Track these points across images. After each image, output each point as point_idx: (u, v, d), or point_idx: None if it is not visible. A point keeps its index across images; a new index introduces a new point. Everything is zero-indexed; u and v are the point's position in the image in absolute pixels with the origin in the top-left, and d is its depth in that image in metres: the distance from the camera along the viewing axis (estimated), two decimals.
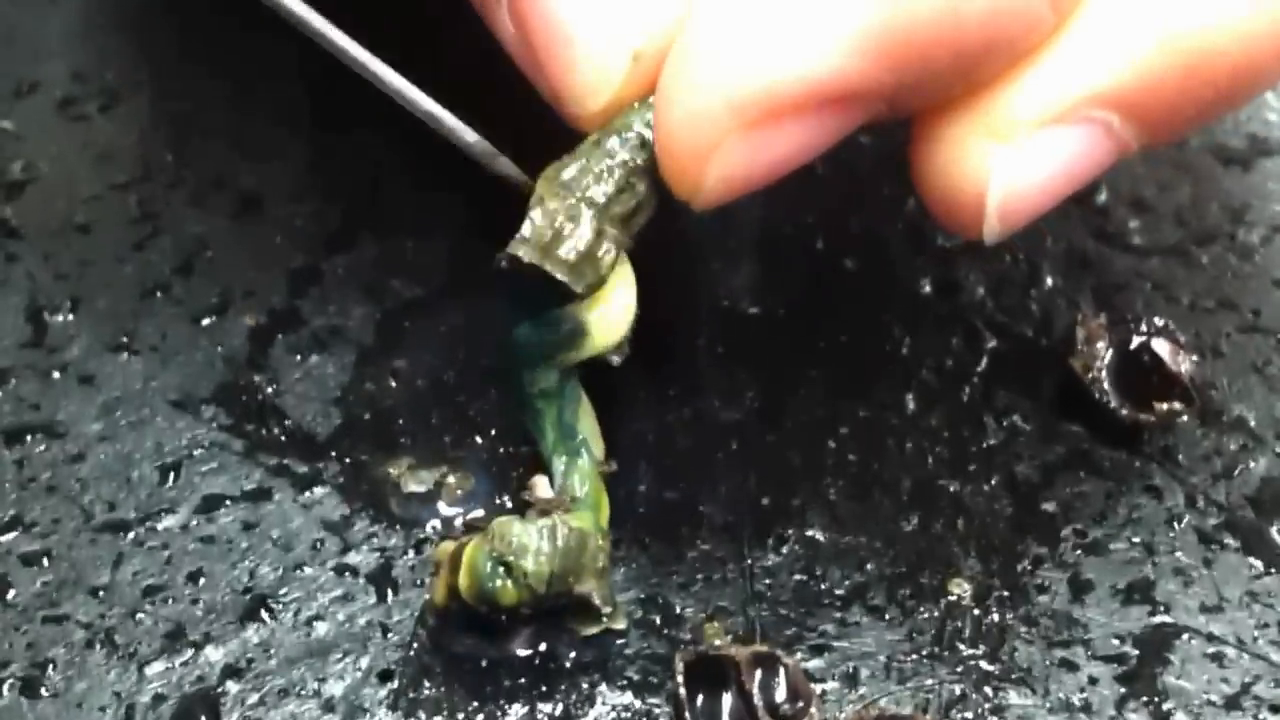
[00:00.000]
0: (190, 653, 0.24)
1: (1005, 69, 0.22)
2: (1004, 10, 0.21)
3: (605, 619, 0.24)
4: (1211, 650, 0.25)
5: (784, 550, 0.26)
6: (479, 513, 0.26)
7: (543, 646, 0.24)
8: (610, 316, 0.24)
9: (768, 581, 0.26)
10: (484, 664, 0.24)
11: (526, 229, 0.23)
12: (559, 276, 0.23)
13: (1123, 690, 0.24)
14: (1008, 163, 0.22)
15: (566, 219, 0.23)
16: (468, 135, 0.24)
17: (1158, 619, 0.25)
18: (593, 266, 0.23)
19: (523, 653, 0.24)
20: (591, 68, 0.23)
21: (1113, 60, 0.22)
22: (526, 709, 0.24)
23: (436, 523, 0.26)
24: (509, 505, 0.26)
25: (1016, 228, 0.23)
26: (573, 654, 0.24)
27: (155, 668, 0.24)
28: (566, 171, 0.23)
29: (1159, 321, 0.28)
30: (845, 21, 0.21)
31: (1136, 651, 0.25)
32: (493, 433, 0.27)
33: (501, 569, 0.23)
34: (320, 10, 0.25)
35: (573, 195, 0.23)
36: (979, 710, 0.24)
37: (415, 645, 0.25)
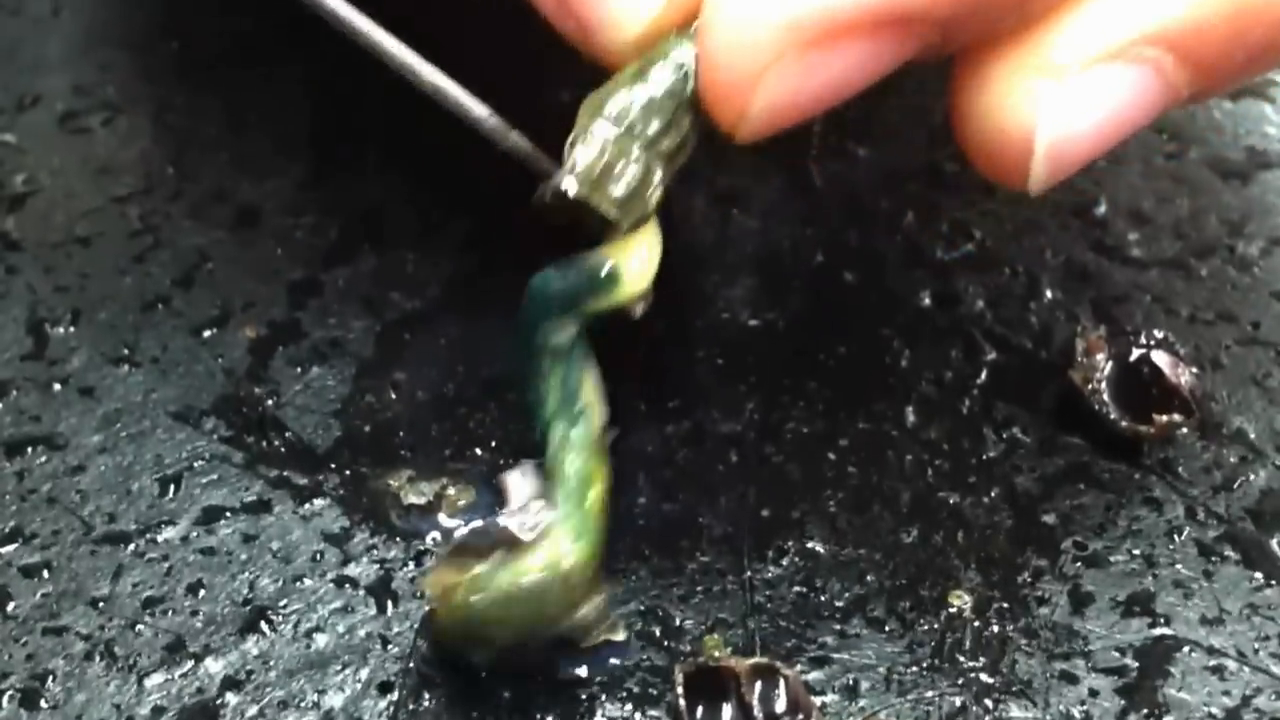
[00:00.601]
0: (190, 664, 0.24)
1: (1061, 2, 0.22)
2: None
3: (602, 632, 0.24)
4: (1212, 663, 0.25)
5: (784, 562, 0.26)
6: (478, 523, 0.26)
7: (542, 659, 0.24)
8: (641, 262, 0.23)
9: (768, 593, 0.26)
10: (483, 676, 0.24)
11: (579, 160, 0.22)
12: (608, 212, 0.22)
13: (1123, 703, 0.24)
14: (1058, 102, 0.22)
15: (617, 154, 0.22)
16: (479, 110, 0.23)
17: (1158, 631, 0.25)
18: (641, 204, 0.22)
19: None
20: None
21: None
22: None
23: (436, 534, 0.26)
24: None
25: (1064, 175, 0.22)
26: (572, 666, 0.24)
27: (155, 679, 0.24)
28: (613, 102, 0.22)
29: (1158, 334, 0.28)
30: None
31: (1137, 664, 0.25)
32: (493, 445, 0.27)
33: (472, 641, 0.23)
34: None
35: (620, 127, 0.22)
36: None
37: (415, 657, 0.25)
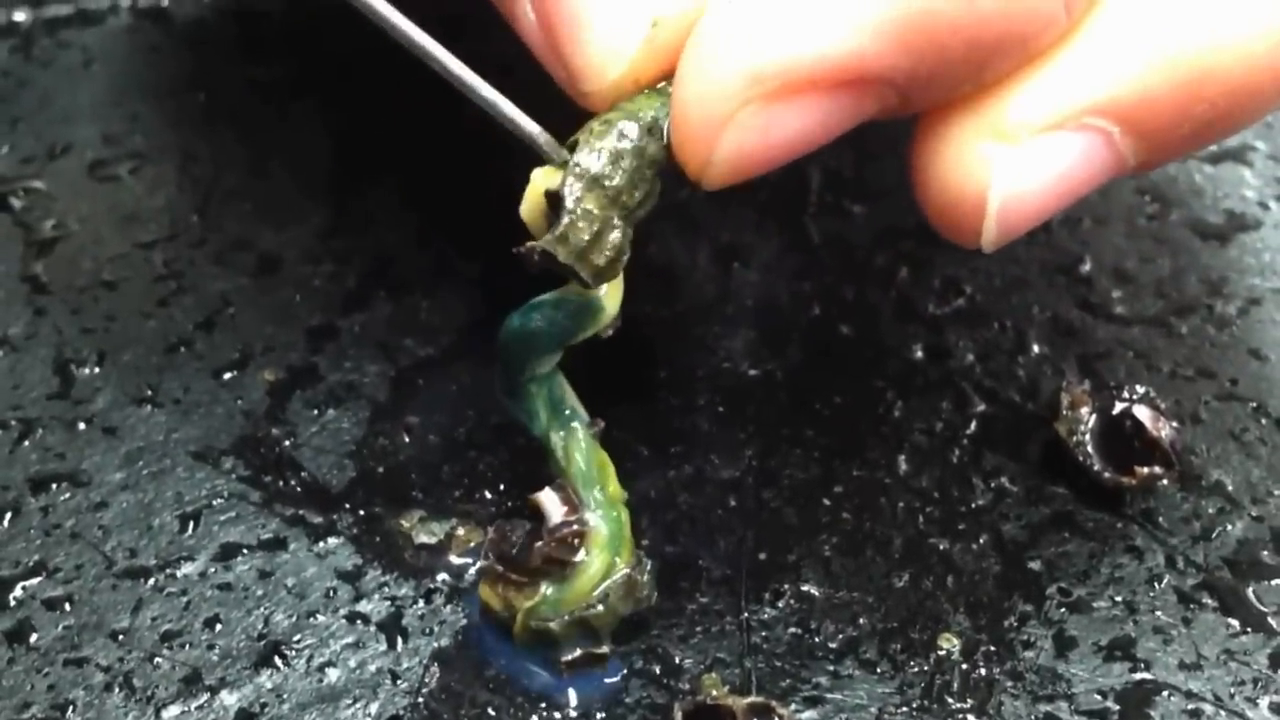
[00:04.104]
0: (206, 697, 0.25)
1: (1014, 69, 0.22)
2: (1020, 7, 0.22)
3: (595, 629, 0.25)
4: (1190, 707, 0.25)
5: (780, 604, 0.27)
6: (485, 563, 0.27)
7: (545, 696, 0.25)
8: (616, 292, 0.25)
9: (764, 634, 0.26)
10: (491, 711, 0.25)
11: (569, 230, 0.23)
12: (584, 277, 0.23)
13: None
14: (1010, 164, 0.22)
15: (602, 224, 0.23)
16: (530, 126, 0.24)
17: (1139, 675, 0.26)
18: (614, 268, 0.23)
19: (526, 700, 0.25)
20: (608, 37, 0.23)
21: (1116, 71, 0.22)
22: None
23: (446, 575, 0.27)
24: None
25: (1014, 234, 0.23)
26: (575, 702, 0.25)
27: (171, 711, 0.25)
28: (593, 162, 0.23)
29: (1140, 389, 0.29)
30: (867, 5, 0.21)
31: (1118, 707, 0.25)
32: (501, 487, 0.28)
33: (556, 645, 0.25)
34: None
35: (606, 195, 0.23)
36: None
37: (424, 692, 0.25)
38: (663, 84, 0.23)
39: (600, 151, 0.23)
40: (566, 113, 0.24)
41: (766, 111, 0.22)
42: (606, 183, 0.23)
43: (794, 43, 0.21)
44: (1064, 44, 0.23)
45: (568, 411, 0.26)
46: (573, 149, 0.23)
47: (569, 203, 0.23)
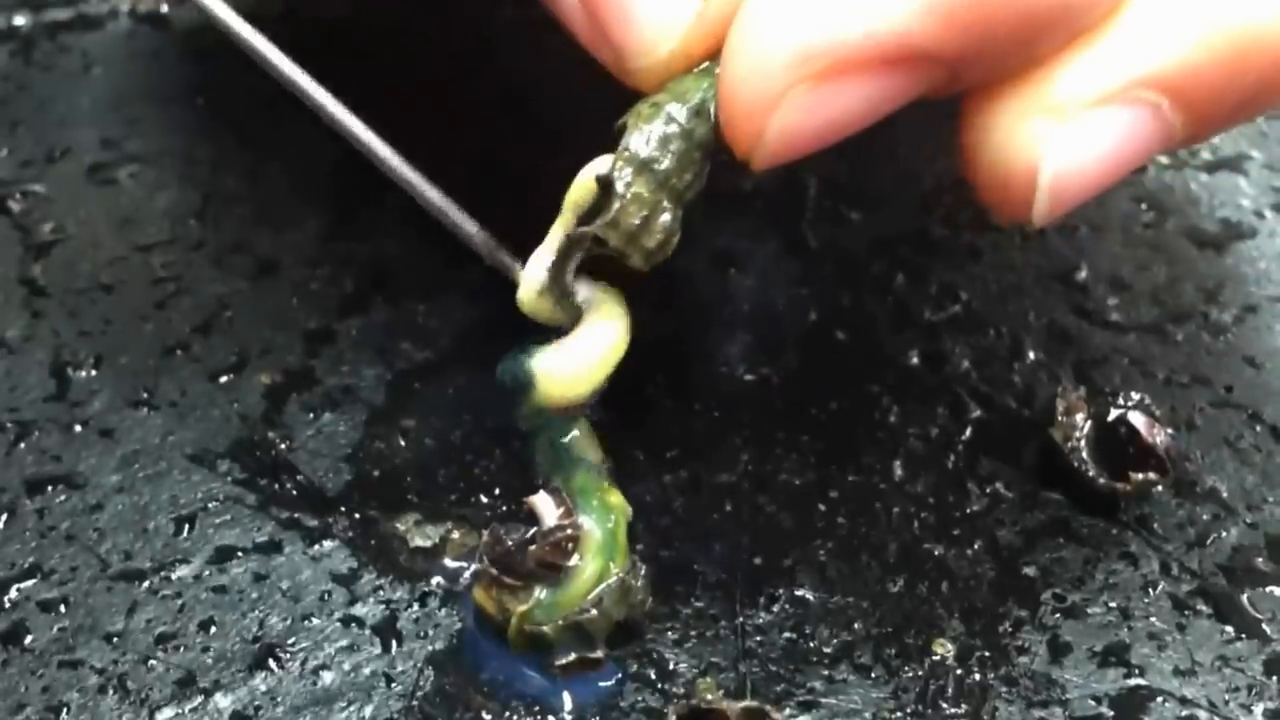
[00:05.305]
0: (200, 699, 0.25)
1: (1063, 46, 0.23)
2: None
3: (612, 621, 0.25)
4: (1184, 713, 0.26)
5: (775, 609, 0.27)
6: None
7: (540, 700, 0.25)
8: (565, 367, 0.24)
9: (759, 639, 0.26)
10: (485, 715, 0.25)
11: (620, 214, 0.23)
12: (636, 260, 0.23)
13: None
14: (1061, 140, 0.22)
15: (653, 208, 0.23)
16: (469, 226, 0.26)
17: (1133, 681, 0.26)
18: (664, 250, 0.23)
19: (521, 704, 0.25)
20: (658, 11, 0.23)
21: (1164, 44, 0.22)
22: None
23: (441, 579, 0.27)
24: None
25: (1066, 209, 0.23)
26: (569, 706, 0.25)
27: (166, 713, 0.25)
28: (643, 146, 0.23)
29: (1136, 395, 0.29)
30: None
31: (1112, 713, 0.25)
32: (497, 491, 0.28)
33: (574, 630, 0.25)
34: (340, 97, 0.27)
35: (656, 178, 0.23)
36: None
37: (418, 696, 0.25)
38: (708, 64, 0.23)
39: (649, 135, 0.23)
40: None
41: (816, 92, 0.22)
42: (656, 166, 0.23)
43: (843, 21, 0.21)
44: (1111, 18, 0.23)
45: (571, 461, 0.25)
46: (620, 133, 0.23)
47: (619, 187, 0.23)
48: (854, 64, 0.22)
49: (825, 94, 0.22)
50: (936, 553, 0.28)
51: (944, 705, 0.25)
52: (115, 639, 0.26)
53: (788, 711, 0.25)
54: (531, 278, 0.24)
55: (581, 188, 0.24)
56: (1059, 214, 0.23)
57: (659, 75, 0.23)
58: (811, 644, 0.26)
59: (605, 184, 0.23)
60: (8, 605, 0.26)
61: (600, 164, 0.23)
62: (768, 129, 0.22)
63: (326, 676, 0.25)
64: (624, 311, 0.25)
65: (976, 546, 0.28)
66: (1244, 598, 0.27)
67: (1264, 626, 0.27)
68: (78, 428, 0.29)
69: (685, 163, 0.23)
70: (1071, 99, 0.23)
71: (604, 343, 0.25)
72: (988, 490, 0.29)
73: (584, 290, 0.25)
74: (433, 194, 0.26)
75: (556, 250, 0.24)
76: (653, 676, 0.26)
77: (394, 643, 0.26)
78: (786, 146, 0.22)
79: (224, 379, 0.30)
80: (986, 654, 0.26)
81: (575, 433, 0.26)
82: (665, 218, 0.23)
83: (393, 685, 0.25)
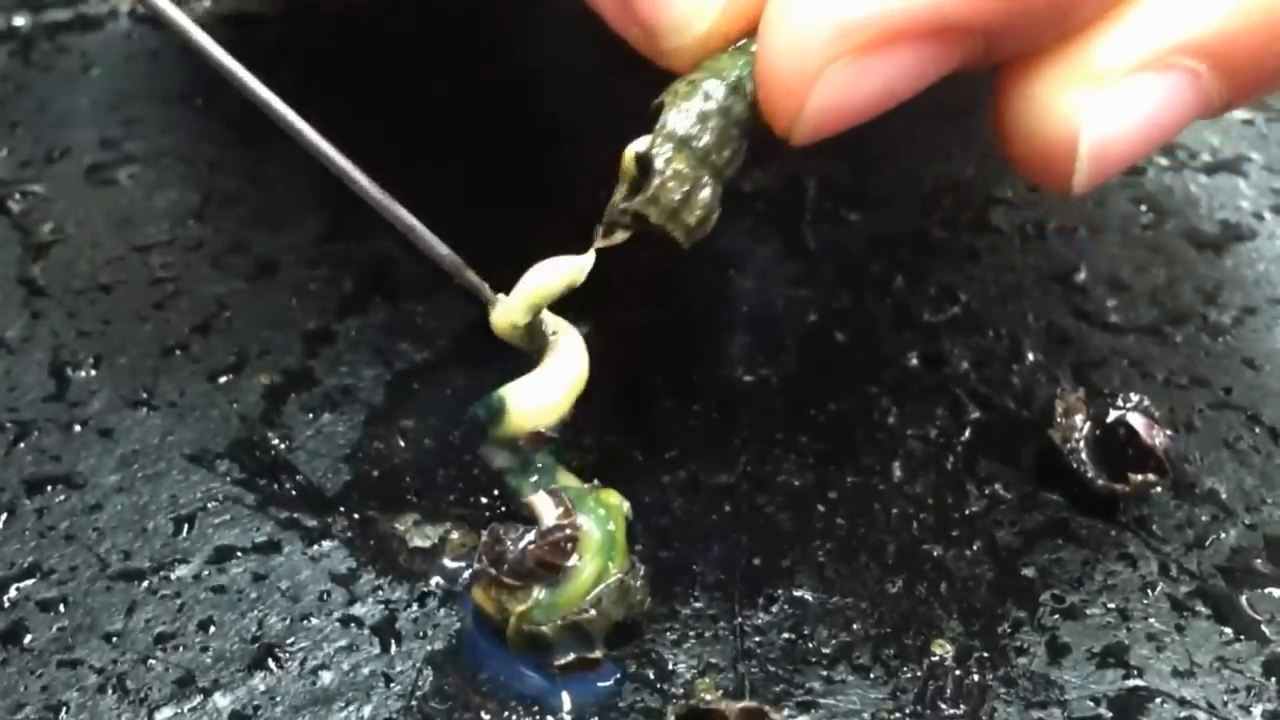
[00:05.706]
0: (199, 699, 0.25)
1: (1100, 15, 0.23)
2: None
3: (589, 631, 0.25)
4: (1183, 714, 0.25)
5: (773, 609, 0.27)
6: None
7: (538, 700, 0.25)
8: (536, 395, 0.25)
9: (757, 639, 0.26)
10: (484, 715, 0.25)
11: (660, 191, 0.23)
12: (677, 237, 0.23)
13: None
14: (1101, 108, 0.23)
15: (693, 184, 0.23)
16: (440, 248, 0.26)
17: (1131, 682, 0.26)
18: (705, 226, 0.23)
19: (520, 704, 0.25)
20: None
21: (1201, 10, 0.22)
22: None
23: (440, 579, 0.27)
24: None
25: (1106, 177, 0.23)
26: (568, 706, 0.25)
27: (164, 713, 0.25)
28: (681, 123, 0.23)
29: (1135, 397, 0.29)
30: None
31: (1111, 714, 0.25)
32: (495, 491, 0.28)
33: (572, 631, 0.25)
34: (339, 96, 0.27)
35: (695, 155, 0.23)
36: None
37: (417, 696, 0.25)
38: (744, 42, 0.23)
39: (687, 112, 0.23)
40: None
41: (854, 66, 0.22)
42: (695, 143, 0.23)
43: None
44: None
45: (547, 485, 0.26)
46: (657, 112, 0.23)
47: (659, 164, 0.23)
48: (892, 37, 0.21)
49: (864, 68, 0.22)
50: (935, 553, 0.28)
51: (943, 706, 0.25)
52: (114, 638, 0.26)
53: (786, 712, 0.25)
54: (510, 306, 0.25)
55: (623, 167, 0.24)
56: (1099, 182, 0.23)
57: (693, 54, 0.23)
58: (810, 644, 0.26)
59: (644, 161, 0.23)
60: (7, 605, 0.26)
61: (640, 143, 0.23)
62: (807, 105, 0.22)
63: (325, 676, 0.25)
64: (583, 345, 0.25)
65: (975, 547, 0.28)
66: (1243, 599, 0.27)
67: (1263, 628, 0.27)
68: (77, 428, 0.29)
69: (724, 139, 0.23)
70: (1110, 67, 0.23)
71: (571, 373, 0.25)
72: (987, 491, 0.29)
73: (550, 321, 0.25)
74: (400, 212, 0.26)
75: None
76: (651, 677, 0.26)
77: (393, 643, 0.26)
78: (826, 121, 0.22)
79: (223, 379, 0.30)
80: (985, 655, 0.26)
81: (541, 465, 0.26)
82: (705, 193, 0.23)
83: (392, 685, 0.25)
